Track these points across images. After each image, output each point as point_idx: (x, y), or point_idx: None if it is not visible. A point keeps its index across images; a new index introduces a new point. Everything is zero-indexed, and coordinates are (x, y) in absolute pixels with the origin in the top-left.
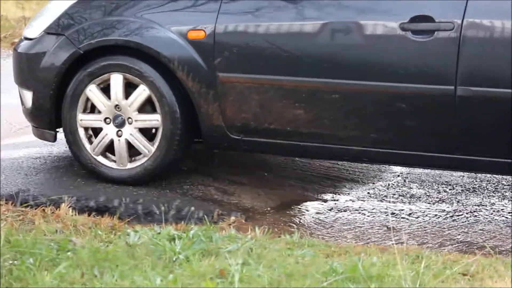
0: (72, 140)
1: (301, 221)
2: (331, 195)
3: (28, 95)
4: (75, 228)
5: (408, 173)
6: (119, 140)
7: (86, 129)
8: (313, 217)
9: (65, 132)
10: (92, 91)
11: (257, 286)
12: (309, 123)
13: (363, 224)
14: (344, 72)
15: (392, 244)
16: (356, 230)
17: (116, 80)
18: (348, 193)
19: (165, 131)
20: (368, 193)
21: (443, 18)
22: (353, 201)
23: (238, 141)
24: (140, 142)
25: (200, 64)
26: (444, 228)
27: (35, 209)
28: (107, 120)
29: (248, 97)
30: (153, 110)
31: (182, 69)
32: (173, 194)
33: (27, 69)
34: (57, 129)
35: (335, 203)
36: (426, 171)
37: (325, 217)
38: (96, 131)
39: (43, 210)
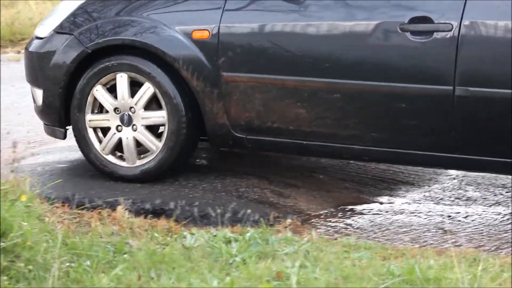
0: (103, 167)
1: (357, 223)
2: (386, 197)
3: (39, 93)
4: (131, 231)
5: (464, 176)
6: (138, 132)
7: (113, 152)
8: (369, 219)
9: (95, 167)
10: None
11: None
12: (311, 122)
13: (419, 226)
14: (345, 72)
15: (449, 247)
16: (412, 233)
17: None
18: (404, 196)
19: (162, 91)
20: (424, 195)
21: (442, 19)
22: (409, 203)
23: (242, 139)
24: (154, 115)
25: (204, 63)
26: (501, 231)
27: (91, 211)
28: (119, 127)
29: (252, 96)
30: (139, 84)
31: (186, 69)
32: (228, 197)
33: (38, 67)
34: (67, 127)
35: (391, 206)
36: (482, 174)
37: (381, 220)
38: (120, 146)
39: (99, 212)
